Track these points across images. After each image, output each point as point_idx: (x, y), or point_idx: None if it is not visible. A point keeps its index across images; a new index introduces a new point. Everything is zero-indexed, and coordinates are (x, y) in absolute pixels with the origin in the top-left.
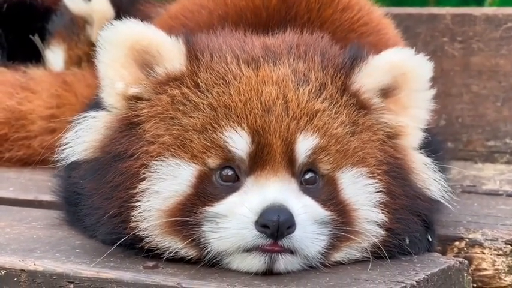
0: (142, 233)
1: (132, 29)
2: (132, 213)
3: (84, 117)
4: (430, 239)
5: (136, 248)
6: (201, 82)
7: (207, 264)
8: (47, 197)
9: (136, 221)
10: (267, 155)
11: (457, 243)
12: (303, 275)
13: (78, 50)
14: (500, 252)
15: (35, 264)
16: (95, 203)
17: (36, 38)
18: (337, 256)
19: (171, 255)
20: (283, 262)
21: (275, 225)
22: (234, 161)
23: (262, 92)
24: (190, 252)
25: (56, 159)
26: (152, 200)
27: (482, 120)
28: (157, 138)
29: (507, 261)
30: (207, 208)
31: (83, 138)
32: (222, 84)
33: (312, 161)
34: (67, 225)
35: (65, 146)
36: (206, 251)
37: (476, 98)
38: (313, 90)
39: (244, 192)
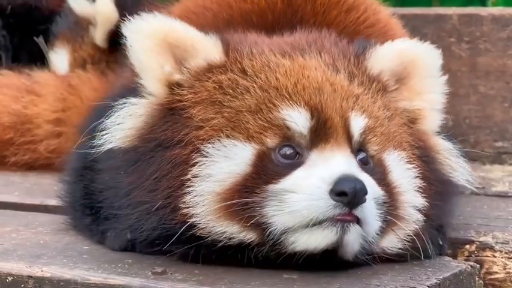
0: (195, 219)
1: (164, 22)
2: (183, 200)
3: (124, 103)
4: (441, 242)
5: (182, 241)
6: (247, 68)
7: (268, 247)
8: (53, 202)
9: (187, 207)
10: (329, 129)
11: (467, 246)
12: (314, 280)
13: (82, 52)
14: (511, 255)
15: (42, 271)
16: (137, 197)
17: (40, 40)
18: (383, 243)
19: (226, 241)
20: (354, 232)
21: (353, 193)
22: (293, 138)
23: (308, 76)
24: (250, 236)
25: (92, 145)
26: (206, 184)
27: (490, 121)
28: (207, 122)
29: None
30: (270, 186)
31: (123, 125)
32: (268, 70)
33: (363, 141)
34: (74, 230)
35: (103, 132)
36: (268, 232)
37: (484, 99)
38: (347, 77)
39: (309, 166)
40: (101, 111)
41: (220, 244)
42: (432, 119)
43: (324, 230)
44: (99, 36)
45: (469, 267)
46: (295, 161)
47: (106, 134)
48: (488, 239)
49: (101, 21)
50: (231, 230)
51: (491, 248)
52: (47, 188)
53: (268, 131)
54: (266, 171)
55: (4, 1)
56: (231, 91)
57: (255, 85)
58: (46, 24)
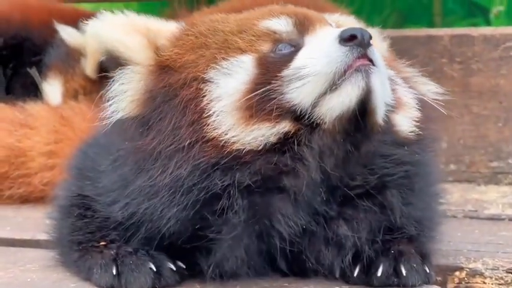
0: (224, 137)
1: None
2: (208, 126)
3: (121, 72)
4: (428, 270)
5: (223, 172)
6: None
7: (305, 130)
8: (44, 236)
9: (214, 129)
10: (311, 19)
11: (457, 273)
12: None
13: (74, 82)
14: (502, 281)
15: None
16: (164, 153)
17: (33, 71)
18: (396, 120)
19: (264, 144)
20: (377, 74)
21: (359, 31)
22: (283, 38)
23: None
24: (283, 127)
25: (101, 117)
26: (222, 102)
27: (485, 141)
28: (200, 58)
29: None
30: (281, 73)
31: (124, 93)
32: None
33: None
34: (62, 266)
35: (109, 103)
36: (299, 111)
37: (478, 119)
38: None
39: (309, 44)
40: (86, 151)
41: (259, 159)
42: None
43: (350, 80)
44: (89, 67)
45: None
46: (295, 49)
47: (112, 104)
48: (478, 266)
49: (90, 52)
50: (263, 131)
51: (481, 275)
52: (39, 222)
53: (258, 42)
54: (271, 67)
55: None
56: (210, 34)
57: (229, 21)
58: (39, 56)
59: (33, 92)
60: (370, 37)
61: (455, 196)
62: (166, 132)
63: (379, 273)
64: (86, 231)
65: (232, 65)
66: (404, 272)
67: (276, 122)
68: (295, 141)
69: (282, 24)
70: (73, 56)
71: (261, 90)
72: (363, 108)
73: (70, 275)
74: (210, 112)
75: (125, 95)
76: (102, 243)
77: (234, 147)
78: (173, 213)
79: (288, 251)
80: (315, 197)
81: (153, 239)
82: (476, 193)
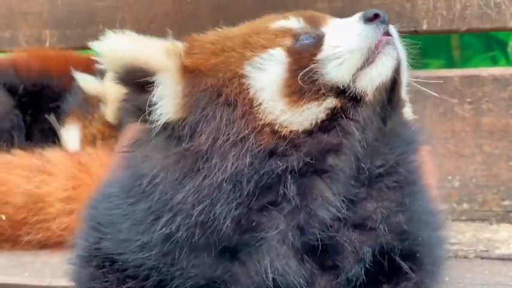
0: (278, 121)
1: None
2: (259, 112)
3: (160, 76)
4: None
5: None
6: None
7: (352, 103)
8: (61, 282)
9: (267, 115)
10: (320, 16)
11: None
12: None
13: (92, 128)
14: None
15: None
16: (217, 153)
17: (51, 118)
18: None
19: (315, 122)
20: (400, 46)
21: (379, 10)
22: (300, 33)
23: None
24: (329, 102)
25: (150, 120)
26: (266, 92)
27: (497, 180)
28: (229, 58)
29: None
30: (316, 57)
31: (169, 96)
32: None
33: None
34: None
35: (154, 107)
36: (342, 87)
37: (489, 158)
38: None
39: (332, 30)
40: (101, 200)
41: (316, 137)
42: None
43: (384, 52)
44: (109, 113)
45: None
46: (318, 37)
47: (158, 108)
48: None
49: (111, 99)
50: (313, 109)
51: None
52: (56, 268)
53: (278, 38)
54: (304, 52)
55: (16, 81)
56: (225, 38)
57: (237, 29)
58: (57, 102)
59: (52, 138)
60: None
61: (467, 236)
62: (220, 129)
63: None
64: (103, 280)
65: (264, 60)
66: None
67: (322, 100)
68: (343, 116)
69: (294, 23)
70: (90, 102)
71: (303, 72)
72: (395, 79)
73: None
74: (260, 100)
75: (168, 99)
76: None
77: (287, 130)
78: (232, 208)
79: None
80: (349, 180)
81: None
82: (488, 232)
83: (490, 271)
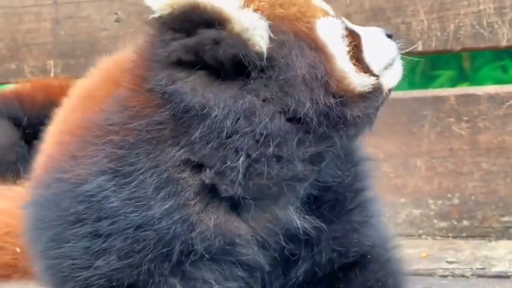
0: (345, 79)
1: None
2: (331, 67)
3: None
4: None
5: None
6: None
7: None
8: None
9: (338, 67)
10: None
11: None
12: None
13: None
14: None
15: None
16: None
17: None
18: None
19: (365, 90)
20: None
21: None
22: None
23: None
24: (372, 79)
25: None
26: (338, 50)
27: (495, 196)
28: (306, 12)
29: None
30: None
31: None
32: None
33: None
34: None
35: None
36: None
37: (487, 175)
38: None
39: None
40: None
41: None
42: None
43: (398, 62)
44: None
45: None
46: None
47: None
48: None
49: None
50: (366, 80)
51: None
52: None
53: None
54: (353, 35)
55: (20, 113)
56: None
57: None
58: None
59: None
60: None
61: (465, 254)
62: (307, 67)
63: None
64: None
65: (333, 24)
66: None
67: (370, 76)
68: (376, 94)
69: (329, 9)
70: None
71: (358, 48)
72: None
73: None
74: (336, 54)
75: (260, 30)
76: None
77: (350, 87)
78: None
79: None
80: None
81: None
82: (486, 249)
83: None
